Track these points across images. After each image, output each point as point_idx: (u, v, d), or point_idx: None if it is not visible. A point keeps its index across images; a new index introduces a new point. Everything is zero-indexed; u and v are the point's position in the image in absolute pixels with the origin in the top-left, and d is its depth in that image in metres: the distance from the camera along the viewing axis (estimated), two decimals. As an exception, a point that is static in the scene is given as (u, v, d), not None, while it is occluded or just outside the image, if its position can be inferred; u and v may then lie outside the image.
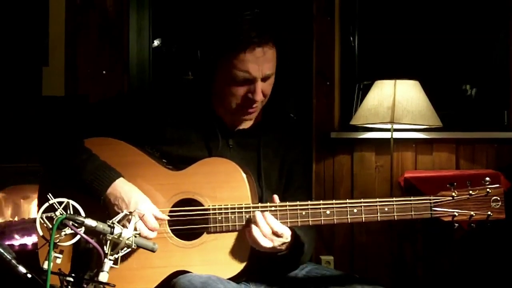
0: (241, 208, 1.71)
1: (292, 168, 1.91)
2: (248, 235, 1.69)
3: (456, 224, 1.68)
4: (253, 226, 1.67)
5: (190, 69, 3.75)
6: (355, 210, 1.70)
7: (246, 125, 1.89)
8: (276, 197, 1.73)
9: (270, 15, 1.76)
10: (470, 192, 1.68)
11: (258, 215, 1.68)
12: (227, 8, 1.76)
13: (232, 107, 1.79)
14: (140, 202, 1.71)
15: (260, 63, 1.72)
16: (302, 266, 1.89)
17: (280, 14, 3.66)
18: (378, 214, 1.69)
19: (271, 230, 1.67)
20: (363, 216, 1.69)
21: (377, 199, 1.70)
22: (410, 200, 1.68)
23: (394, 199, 1.69)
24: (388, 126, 3.37)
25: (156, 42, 3.93)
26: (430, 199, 1.69)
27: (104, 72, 3.62)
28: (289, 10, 3.73)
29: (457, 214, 1.68)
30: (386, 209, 1.69)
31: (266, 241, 1.67)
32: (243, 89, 1.75)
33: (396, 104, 3.26)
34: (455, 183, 1.69)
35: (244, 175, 1.74)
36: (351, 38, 3.77)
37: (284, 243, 1.71)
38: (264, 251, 1.70)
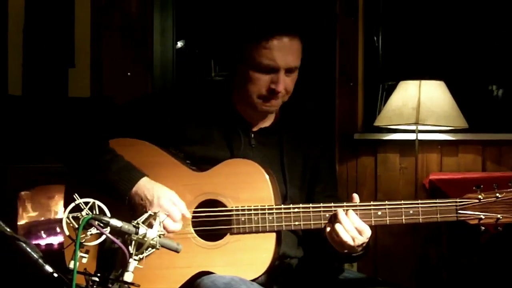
0: (264, 209, 1.71)
1: (318, 163, 1.90)
2: (329, 232, 1.68)
3: (483, 227, 1.67)
4: (336, 223, 1.66)
5: (215, 61, 3.74)
6: (379, 213, 1.69)
7: (267, 123, 1.89)
8: (355, 196, 1.72)
9: (300, 11, 1.79)
10: (497, 194, 1.65)
11: (340, 212, 1.67)
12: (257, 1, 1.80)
13: (253, 99, 1.78)
14: (162, 198, 1.70)
15: (286, 53, 1.73)
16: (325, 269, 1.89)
17: (303, 13, 3.66)
18: (403, 217, 1.68)
19: (354, 227, 1.66)
20: (387, 218, 1.68)
21: (402, 202, 1.68)
22: (436, 203, 1.67)
23: (419, 201, 1.68)
24: (413, 127, 3.35)
25: (179, 44, 3.95)
26: (456, 202, 1.67)
27: (128, 73, 3.65)
28: (312, 10, 3.72)
29: (483, 217, 1.66)
30: (411, 212, 1.68)
31: (348, 238, 1.65)
32: (266, 78, 1.75)
33: (421, 105, 3.23)
34: (481, 186, 1.67)
35: (267, 176, 1.74)
36: (375, 38, 3.76)
37: (363, 242, 1.69)
38: (342, 250, 1.69)
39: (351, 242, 1.65)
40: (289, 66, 1.75)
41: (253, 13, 1.77)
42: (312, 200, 1.86)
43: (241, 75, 1.78)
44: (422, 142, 3.49)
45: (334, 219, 1.68)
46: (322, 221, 1.70)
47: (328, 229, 1.69)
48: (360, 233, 1.66)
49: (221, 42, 1.79)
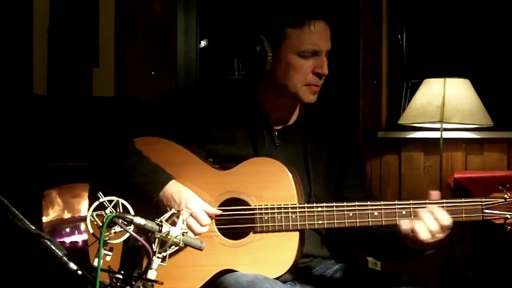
0: (288, 208, 1.71)
1: (347, 159, 1.89)
2: (410, 228, 1.63)
3: (509, 227, 1.64)
4: (417, 221, 1.62)
5: (239, 61, 3.75)
6: (404, 212, 1.67)
7: (291, 121, 1.88)
8: (433, 193, 1.70)
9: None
10: (523, 193, 1.63)
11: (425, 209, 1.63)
12: None
13: (298, 88, 1.77)
14: (190, 201, 1.72)
15: (325, 36, 1.76)
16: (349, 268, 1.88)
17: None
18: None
19: (438, 224, 1.62)
20: (412, 218, 1.67)
21: (427, 201, 1.67)
22: (461, 202, 1.65)
23: (444, 200, 1.66)
24: (437, 125, 3.32)
25: (203, 43, 3.96)
26: (481, 201, 1.65)
27: (152, 73, 3.67)
28: (336, 8, 3.71)
29: (509, 217, 1.63)
30: (436, 211, 1.66)
31: (427, 235, 1.61)
32: (310, 64, 1.76)
33: (446, 103, 3.20)
34: (507, 185, 1.64)
35: (290, 175, 1.74)
36: (399, 36, 3.72)
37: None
38: (420, 248, 1.66)
39: (430, 240, 1.61)
40: (328, 49, 1.77)
41: (291, 1, 1.79)
42: (341, 196, 1.85)
43: (280, 68, 1.76)
44: (447, 140, 3.46)
45: (416, 216, 1.64)
46: (346, 220, 1.69)
47: (406, 225, 1.64)
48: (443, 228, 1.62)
49: (251, 41, 1.76)
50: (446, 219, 1.62)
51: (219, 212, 1.74)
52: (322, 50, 1.75)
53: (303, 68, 1.76)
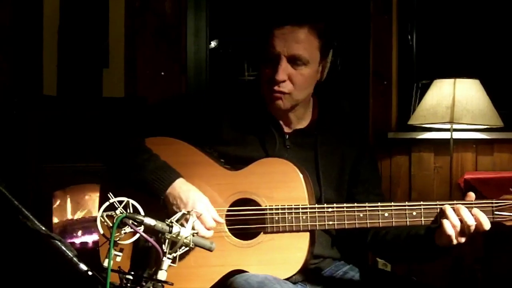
0: (298, 208, 1.71)
1: (358, 164, 1.89)
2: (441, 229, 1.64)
3: (520, 229, 1.64)
4: (444, 220, 1.62)
5: (249, 62, 3.77)
6: (414, 213, 1.67)
7: (303, 124, 1.88)
8: (471, 194, 1.68)
9: (322, 3, 1.77)
10: (534, 195, 1.62)
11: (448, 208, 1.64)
12: None
13: (263, 94, 1.79)
14: (197, 202, 1.72)
15: (287, 41, 1.71)
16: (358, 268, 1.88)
17: (337, 12, 3.65)
18: (439, 217, 1.66)
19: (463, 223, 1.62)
20: (422, 219, 1.66)
21: (437, 202, 1.66)
22: (472, 204, 1.64)
23: (455, 202, 1.65)
24: (447, 126, 3.31)
25: (212, 44, 3.97)
26: (492, 203, 1.64)
27: (162, 73, 3.68)
28: (346, 9, 3.70)
29: (520, 218, 1.63)
30: (447, 212, 1.65)
31: (453, 232, 1.63)
32: (269, 69, 1.74)
33: (456, 103, 3.19)
34: (517, 187, 1.64)
35: (301, 175, 1.74)
36: (409, 37, 3.72)
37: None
38: (447, 243, 1.68)
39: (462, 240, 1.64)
40: (291, 54, 1.71)
41: (263, 4, 1.80)
42: (354, 201, 1.83)
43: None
44: (457, 141, 3.44)
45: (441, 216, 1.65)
46: (356, 221, 1.69)
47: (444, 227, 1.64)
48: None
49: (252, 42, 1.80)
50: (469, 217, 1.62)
51: (222, 221, 1.74)
52: (279, 54, 1.71)
53: (263, 74, 1.76)
